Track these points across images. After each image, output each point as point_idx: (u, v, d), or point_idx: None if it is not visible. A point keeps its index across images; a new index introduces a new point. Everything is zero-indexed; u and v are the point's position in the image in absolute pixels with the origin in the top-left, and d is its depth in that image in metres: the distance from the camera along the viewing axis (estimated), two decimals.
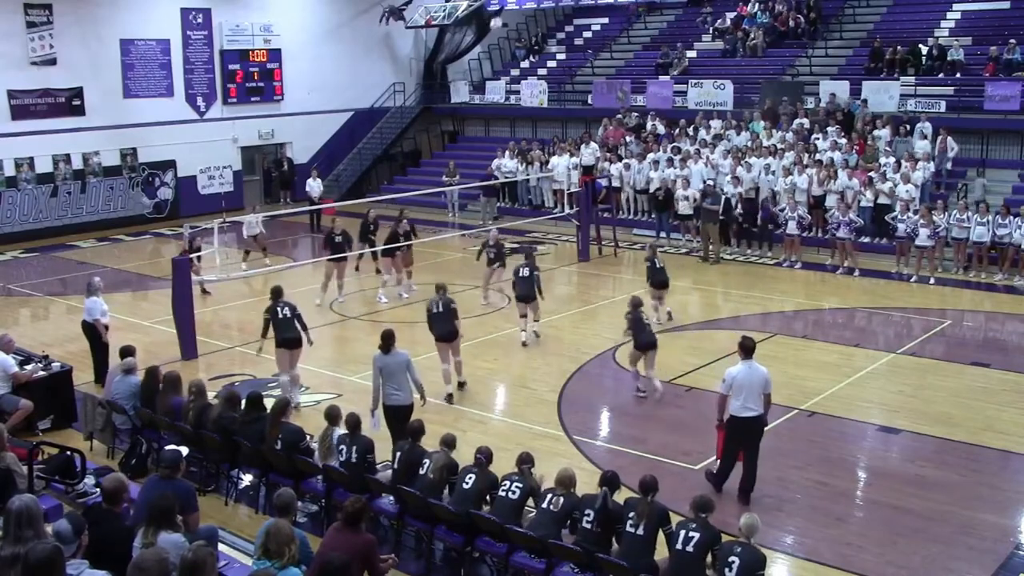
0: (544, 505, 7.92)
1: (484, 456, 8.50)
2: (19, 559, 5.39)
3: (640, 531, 7.42)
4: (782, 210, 20.42)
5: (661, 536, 7.46)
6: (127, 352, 11.32)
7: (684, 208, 21.87)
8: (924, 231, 18.63)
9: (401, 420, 10.10)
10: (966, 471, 10.42)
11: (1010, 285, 18.36)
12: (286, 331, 12.19)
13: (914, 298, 17.79)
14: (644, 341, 12.26)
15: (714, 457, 10.03)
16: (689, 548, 7.09)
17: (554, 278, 19.97)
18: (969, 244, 19.03)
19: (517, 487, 8.18)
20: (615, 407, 12.98)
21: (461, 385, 12.95)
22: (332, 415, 9.49)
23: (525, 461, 8.44)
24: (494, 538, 8.05)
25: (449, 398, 12.46)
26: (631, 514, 7.49)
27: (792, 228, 20.14)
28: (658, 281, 15.43)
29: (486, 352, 14.77)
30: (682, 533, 7.18)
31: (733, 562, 6.80)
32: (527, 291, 14.61)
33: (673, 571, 7.22)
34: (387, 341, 10.37)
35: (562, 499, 7.87)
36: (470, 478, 8.37)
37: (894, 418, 11.92)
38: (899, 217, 19.16)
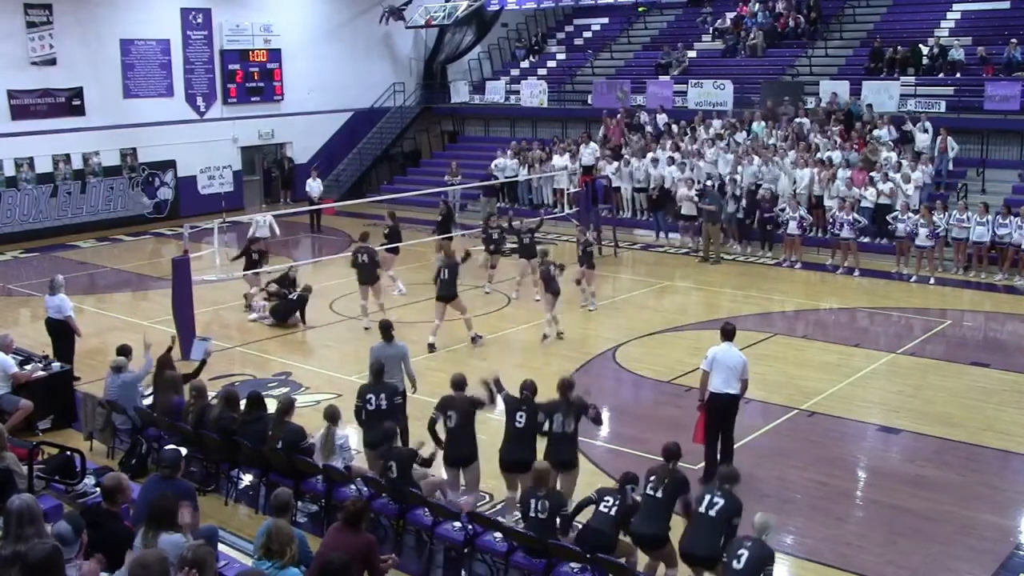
0: (531, 514, 7.85)
1: (529, 391, 9.06)
2: (20, 558, 5.38)
3: (659, 494, 7.65)
4: (782, 210, 20.41)
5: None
6: (122, 351, 11.33)
7: (688, 209, 21.78)
8: (924, 231, 18.63)
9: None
10: (966, 471, 10.43)
11: (1010, 285, 18.36)
12: (363, 273, 15.59)
13: (914, 298, 17.79)
14: (555, 289, 15.07)
15: (703, 464, 10.11)
16: (712, 512, 7.32)
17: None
18: (969, 244, 19.03)
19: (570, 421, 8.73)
20: (615, 407, 12.98)
21: (475, 339, 15.03)
22: (332, 415, 9.49)
23: (569, 387, 8.90)
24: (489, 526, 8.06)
25: (475, 339, 14.99)
26: (651, 477, 7.73)
27: (792, 228, 20.14)
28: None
29: (486, 352, 14.75)
30: (707, 498, 7.40)
31: (742, 554, 6.89)
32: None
33: (692, 532, 7.45)
34: (387, 331, 10.63)
35: (547, 502, 7.82)
36: (521, 416, 8.87)
37: (894, 418, 11.93)
38: (899, 217, 19.16)
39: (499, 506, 9.41)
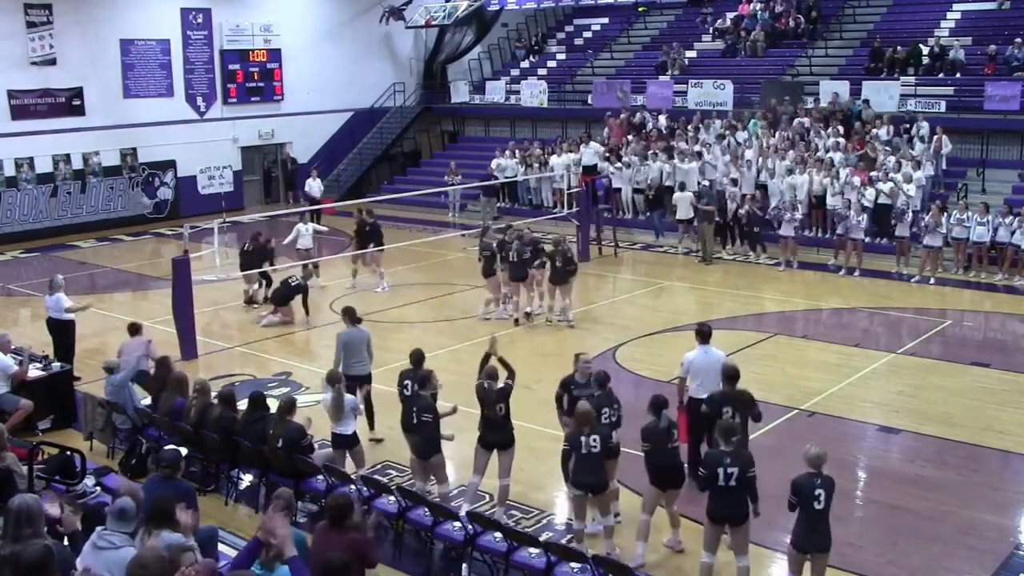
0: (583, 451, 8.24)
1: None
2: (14, 558, 5.36)
3: (737, 418, 8.58)
4: (794, 209, 20.20)
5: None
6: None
7: (683, 212, 21.69)
8: (932, 232, 18.60)
9: (362, 387, 11.05)
10: (966, 471, 10.43)
11: (1010, 285, 18.36)
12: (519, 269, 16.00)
13: (914, 298, 17.79)
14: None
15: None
16: (732, 483, 7.58)
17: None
18: (969, 244, 19.03)
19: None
20: None
21: (528, 315, 16.20)
22: (334, 378, 9.79)
23: (607, 379, 9.35)
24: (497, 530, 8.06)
25: (527, 315, 16.18)
26: (726, 408, 8.72)
27: (786, 230, 20.03)
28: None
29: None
30: (721, 471, 7.59)
31: (819, 494, 7.27)
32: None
33: (718, 507, 7.71)
34: (352, 316, 11.37)
35: (597, 436, 8.27)
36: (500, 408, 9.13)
37: (894, 418, 11.93)
38: (906, 216, 19.16)
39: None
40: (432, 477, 9.30)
